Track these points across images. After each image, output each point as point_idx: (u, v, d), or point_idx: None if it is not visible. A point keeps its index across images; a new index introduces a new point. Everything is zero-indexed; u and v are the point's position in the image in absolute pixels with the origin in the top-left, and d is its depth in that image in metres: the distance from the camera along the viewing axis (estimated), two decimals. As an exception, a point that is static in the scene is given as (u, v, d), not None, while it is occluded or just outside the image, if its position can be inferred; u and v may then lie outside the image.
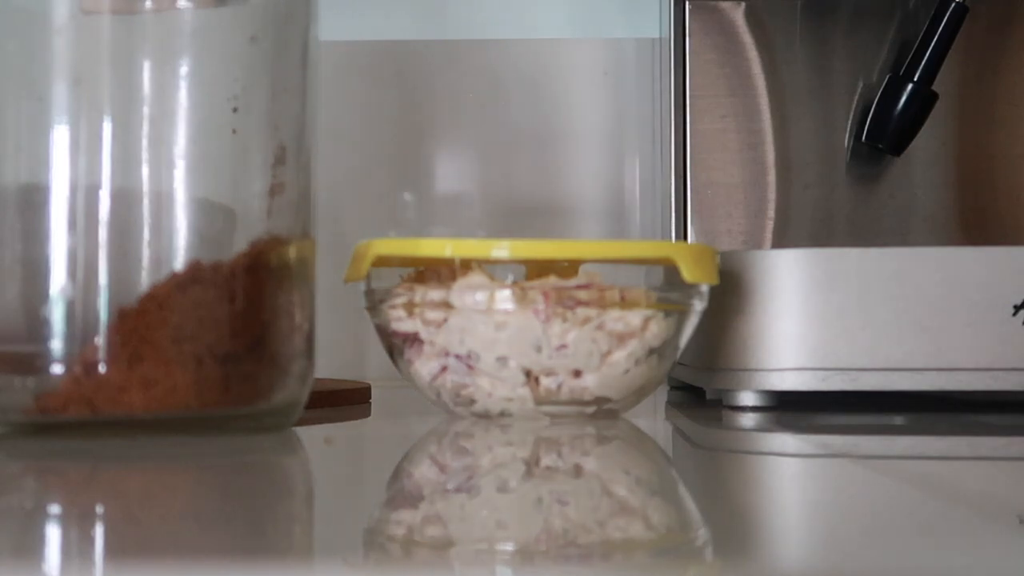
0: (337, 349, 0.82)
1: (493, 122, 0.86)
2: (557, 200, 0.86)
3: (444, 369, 0.47)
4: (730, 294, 0.54)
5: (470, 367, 0.47)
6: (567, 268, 0.49)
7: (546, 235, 0.85)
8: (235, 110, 0.42)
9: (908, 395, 0.61)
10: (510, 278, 0.47)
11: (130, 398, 0.39)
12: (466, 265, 0.48)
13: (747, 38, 0.77)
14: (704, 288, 0.49)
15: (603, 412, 0.48)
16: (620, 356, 0.47)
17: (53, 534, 0.26)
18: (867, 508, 0.30)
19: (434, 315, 0.47)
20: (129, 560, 0.23)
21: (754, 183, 0.76)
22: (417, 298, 0.47)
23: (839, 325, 0.53)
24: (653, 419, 0.54)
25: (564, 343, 0.46)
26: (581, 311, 0.46)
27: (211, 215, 0.41)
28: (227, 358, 0.41)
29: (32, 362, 0.39)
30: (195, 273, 0.40)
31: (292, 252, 0.43)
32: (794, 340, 0.53)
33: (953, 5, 0.71)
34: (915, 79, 0.72)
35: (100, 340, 0.39)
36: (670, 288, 0.48)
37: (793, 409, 0.55)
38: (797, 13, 0.76)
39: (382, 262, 0.49)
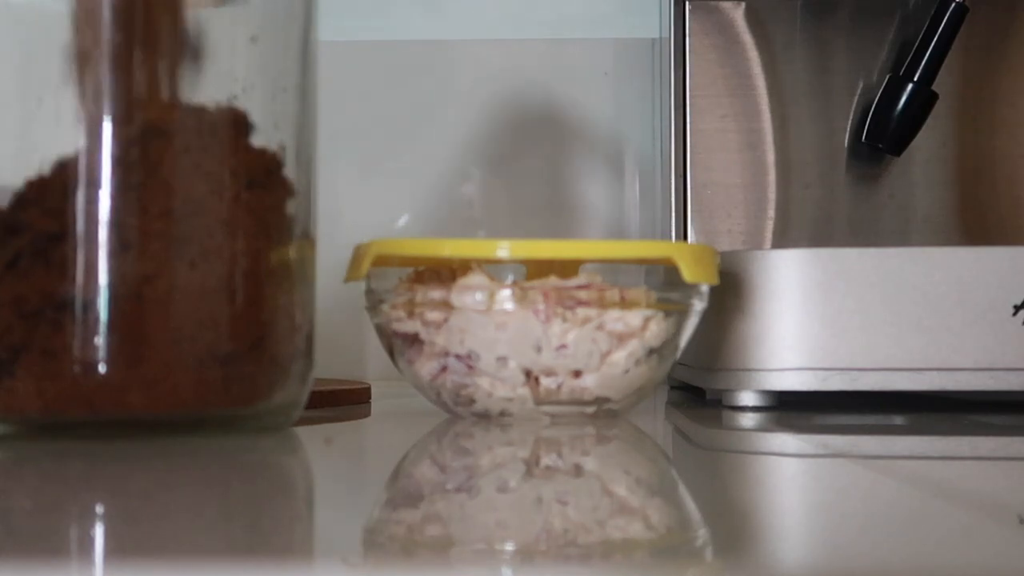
0: (337, 349, 0.82)
1: (493, 122, 0.86)
2: (557, 200, 0.86)
3: (444, 369, 0.47)
4: (730, 294, 0.54)
5: (470, 367, 0.47)
6: (567, 268, 0.49)
7: (546, 235, 0.85)
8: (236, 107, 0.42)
9: (908, 395, 0.61)
10: (510, 278, 0.47)
11: (130, 398, 0.39)
12: (466, 265, 0.48)
13: (747, 38, 0.77)
14: (704, 288, 0.49)
15: (603, 412, 0.48)
16: (620, 356, 0.47)
17: (53, 534, 0.26)
18: (867, 508, 0.30)
19: (434, 315, 0.47)
20: (129, 560, 0.23)
21: (754, 183, 0.76)
22: (417, 298, 0.47)
23: (839, 325, 0.53)
24: (653, 419, 0.54)
25: (564, 343, 0.46)
26: (581, 311, 0.46)
27: (211, 213, 0.41)
28: (227, 358, 0.41)
29: (32, 362, 0.39)
30: (195, 273, 0.40)
31: (292, 252, 0.43)
32: (794, 340, 0.53)
33: (953, 5, 0.71)
34: (915, 79, 0.72)
35: (100, 340, 0.39)
36: (670, 288, 0.48)
37: (793, 409, 0.55)
38: (797, 13, 0.76)
39: (382, 262, 0.49)
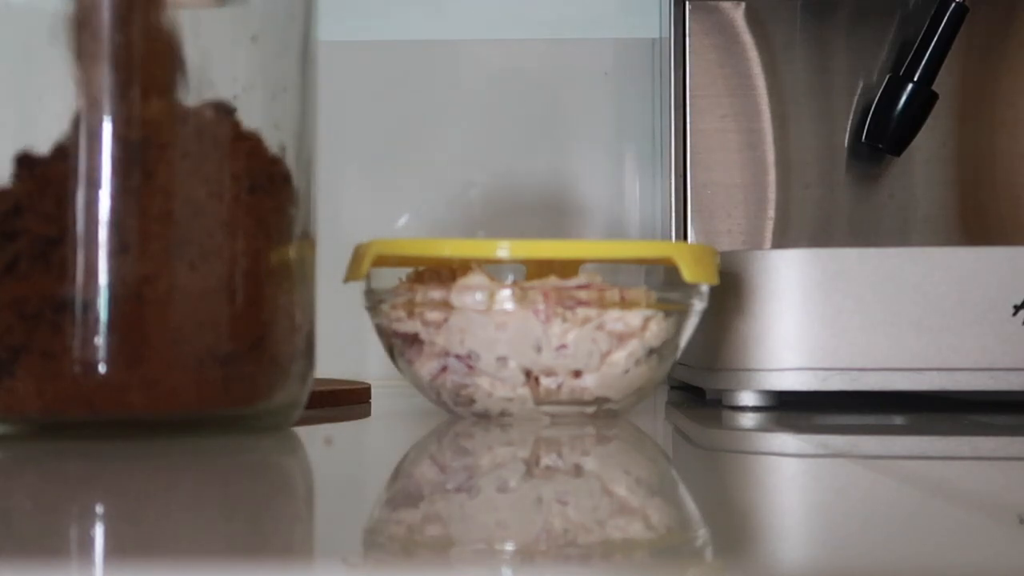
0: (337, 349, 0.82)
1: (493, 122, 0.86)
2: (557, 200, 0.86)
3: (444, 369, 0.47)
4: (730, 294, 0.54)
5: (470, 367, 0.47)
6: (567, 268, 0.49)
7: (547, 235, 0.85)
8: (235, 110, 0.42)
9: (908, 395, 0.61)
10: (510, 278, 0.47)
11: (130, 398, 0.39)
12: (466, 265, 0.48)
13: (747, 38, 0.77)
14: (704, 288, 0.49)
15: (603, 412, 0.48)
16: (620, 356, 0.47)
17: (53, 534, 0.26)
18: (867, 508, 0.30)
19: (434, 315, 0.47)
20: (129, 560, 0.23)
21: (754, 183, 0.76)
22: (417, 298, 0.47)
23: (839, 325, 0.53)
24: (653, 419, 0.54)
25: (564, 343, 0.46)
26: (581, 311, 0.46)
27: (211, 215, 0.41)
28: (227, 358, 0.41)
29: (32, 362, 0.39)
30: (195, 274, 0.40)
31: (292, 252, 0.43)
32: (794, 340, 0.53)
33: (953, 5, 0.71)
34: (915, 79, 0.72)
35: (100, 340, 0.39)
36: (670, 288, 0.48)
37: (793, 409, 0.55)
38: (797, 13, 0.76)
39: (382, 262, 0.49)
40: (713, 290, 0.50)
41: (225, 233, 0.41)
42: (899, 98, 0.73)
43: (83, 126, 0.40)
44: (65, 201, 0.39)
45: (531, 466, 0.37)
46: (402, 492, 0.33)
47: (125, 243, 0.39)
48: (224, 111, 0.41)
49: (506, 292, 0.46)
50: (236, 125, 0.41)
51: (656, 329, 0.47)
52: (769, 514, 0.31)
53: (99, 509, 0.29)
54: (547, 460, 0.38)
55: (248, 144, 0.42)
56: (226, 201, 0.41)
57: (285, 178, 0.43)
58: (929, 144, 0.76)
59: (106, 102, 0.40)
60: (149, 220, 0.40)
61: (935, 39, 0.72)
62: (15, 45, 0.42)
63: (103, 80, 0.40)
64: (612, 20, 0.88)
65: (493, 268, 0.48)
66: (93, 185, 0.39)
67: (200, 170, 0.40)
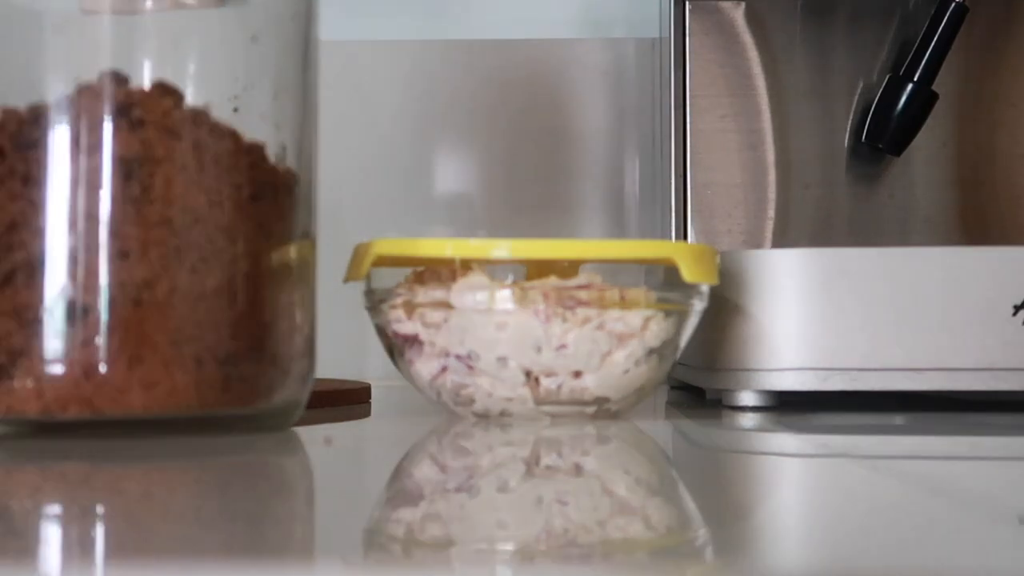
0: (337, 349, 0.81)
1: (493, 122, 0.86)
2: (557, 200, 0.86)
3: (444, 369, 0.47)
4: (730, 294, 0.54)
5: (470, 367, 0.47)
6: (567, 268, 0.49)
7: (547, 235, 0.85)
8: (235, 110, 0.42)
9: (908, 395, 0.61)
10: (510, 278, 0.47)
11: (130, 399, 0.39)
12: (466, 265, 0.48)
13: (747, 38, 0.77)
14: (704, 288, 0.49)
15: (603, 412, 0.48)
16: (620, 356, 0.47)
17: (53, 534, 0.26)
18: (867, 508, 0.30)
19: (434, 315, 0.47)
20: (129, 560, 0.23)
21: (754, 183, 0.76)
22: (417, 298, 0.47)
23: (839, 325, 0.53)
24: (653, 419, 0.54)
25: (564, 343, 0.46)
26: (581, 311, 0.46)
27: (212, 222, 0.41)
28: (227, 359, 0.41)
29: (32, 362, 0.39)
30: (195, 276, 0.40)
31: (292, 252, 0.43)
32: (794, 340, 0.53)
33: (953, 5, 0.71)
34: (915, 79, 0.72)
35: (100, 340, 0.39)
36: (670, 288, 0.48)
37: (793, 409, 0.55)
38: (797, 13, 0.76)
39: (382, 262, 0.49)
40: (713, 290, 0.50)
41: (226, 237, 0.41)
42: (899, 98, 0.73)
43: (83, 125, 0.40)
44: (62, 214, 0.39)
45: (531, 466, 0.37)
46: (402, 492, 0.33)
47: (124, 250, 0.39)
48: (224, 129, 0.41)
49: (506, 292, 0.46)
50: (238, 138, 0.41)
51: (656, 329, 0.47)
52: (769, 514, 0.31)
53: (99, 509, 0.29)
54: (547, 460, 0.38)
55: (250, 156, 0.42)
56: (227, 209, 0.41)
57: (288, 187, 0.43)
58: (929, 144, 0.76)
59: (106, 113, 0.40)
60: (149, 228, 0.40)
61: (935, 39, 0.72)
62: (14, 44, 0.42)
63: (104, 87, 0.40)
64: (612, 20, 0.88)
65: (493, 268, 0.48)
66: (93, 189, 0.39)
67: (200, 182, 0.40)
